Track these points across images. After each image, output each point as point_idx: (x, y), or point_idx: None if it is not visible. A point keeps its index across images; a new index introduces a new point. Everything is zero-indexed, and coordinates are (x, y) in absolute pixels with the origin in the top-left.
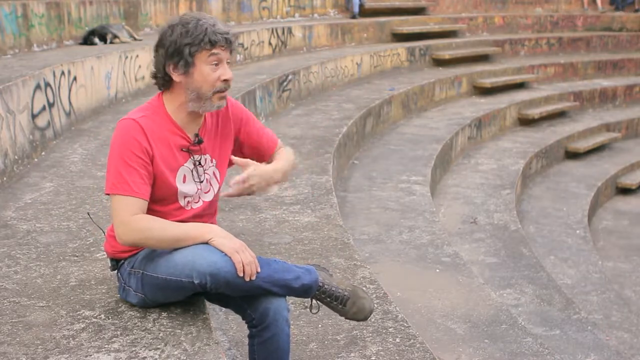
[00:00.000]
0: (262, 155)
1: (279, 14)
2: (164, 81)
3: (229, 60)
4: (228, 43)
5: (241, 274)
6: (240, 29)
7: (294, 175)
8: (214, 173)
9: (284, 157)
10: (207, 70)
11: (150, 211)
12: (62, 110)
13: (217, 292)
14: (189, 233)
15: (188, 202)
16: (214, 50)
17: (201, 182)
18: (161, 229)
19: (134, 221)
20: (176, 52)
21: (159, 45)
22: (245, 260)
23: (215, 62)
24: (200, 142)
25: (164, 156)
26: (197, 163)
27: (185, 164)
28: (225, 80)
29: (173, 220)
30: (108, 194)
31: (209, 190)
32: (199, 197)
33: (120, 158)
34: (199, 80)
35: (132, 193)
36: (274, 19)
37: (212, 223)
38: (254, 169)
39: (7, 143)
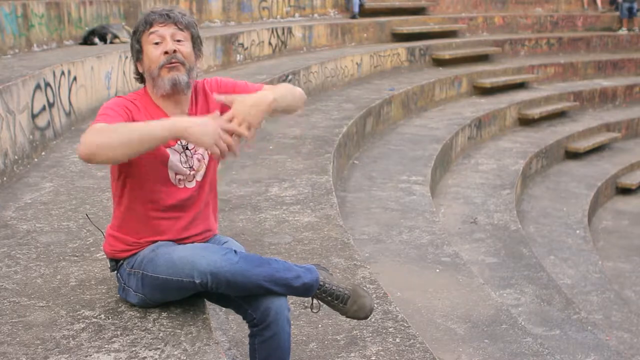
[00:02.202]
0: None
1: (279, 14)
2: (140, 78)
3: (179, 38)
4: (166, 18)
5: (222, 159)
6: (240, 29)
7: (294, 175)
8: (202, 156)
9: (278, 85)
10: (150, 50)
11: (145, 201)
12: (62, 110)
13: (217, 292)
14: (157, 126)
15: (180, 179)
16: (152, 29)
17: (190, 166)
18: (121, 126)
19: (94, 126)
20: (132, 47)
21: None
22: (222, 148)
23: (157, 41)
24: None
25: None
26: (185, 147)
27: (173, 147)
28: (166, 53)
29: (169, 202)
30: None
31: (201, 170)
32: (193, 177)
33: (105, 110)
34: (147, 62)
35: (108, 120)
36: (274, 19)
37: (204, 208)
38: (237, 103)
39: (7, 143)
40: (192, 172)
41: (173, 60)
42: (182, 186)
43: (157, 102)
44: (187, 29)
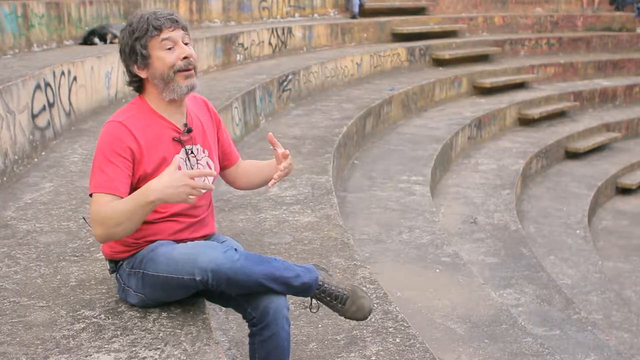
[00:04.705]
0: (228, 161)
1: (279, 14)
2: (137, 84)
3: (187, 41)
4: (174, 22)
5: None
6: (240, 29)
7: (294, 175)
8: (207, 163)
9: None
10: (163, 55)
11: None
12: (62, 110)
13: (217, 290)
14: (135, 202)
15: None
16: (163, 35)
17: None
18: (113, 211)
19: (94, 215)
20: (132, 51)
21: (119, 53)
22: (196, 194)
23: (170, 46)
24: (189, 130)
25: (157, 149)
26: (190, 152)
27: (178, 155)
28: (185, 58)
29: (170, 210)
30: (92, 194)
31: (203, 181)
32: None
33: (104, 157)
34: (159, 67)
35: (115, 191)
36: (274, 19)
37: (208, 215)
38: (291, 158)
39: (7, 143)
40: None
41: (190, 66)
42: None
43: (157, 109)
44: (188, 30)
